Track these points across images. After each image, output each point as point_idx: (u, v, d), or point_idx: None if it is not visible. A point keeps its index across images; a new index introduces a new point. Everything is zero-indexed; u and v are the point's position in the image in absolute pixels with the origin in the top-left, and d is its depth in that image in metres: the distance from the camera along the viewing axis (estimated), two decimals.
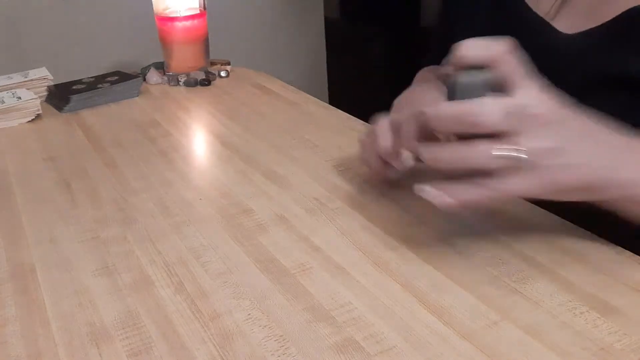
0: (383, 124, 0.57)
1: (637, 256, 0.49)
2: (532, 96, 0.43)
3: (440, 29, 0.86)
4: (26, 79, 0.94)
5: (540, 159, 0.43)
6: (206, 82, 1.01)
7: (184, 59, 1.03)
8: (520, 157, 0.42)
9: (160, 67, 1.06)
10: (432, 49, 0.87)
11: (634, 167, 0.46)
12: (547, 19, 0.62)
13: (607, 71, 0.57)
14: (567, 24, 0.61)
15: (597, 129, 0.46)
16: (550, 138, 0.43)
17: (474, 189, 0.43)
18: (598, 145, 0.45)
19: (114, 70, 1.02)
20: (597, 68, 0.57)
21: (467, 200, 0.44)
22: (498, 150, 0.42)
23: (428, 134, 0.47)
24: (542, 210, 0.55)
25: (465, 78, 0.44)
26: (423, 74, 0.84)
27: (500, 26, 0.67)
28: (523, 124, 0.42)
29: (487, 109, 0.42)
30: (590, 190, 0.45)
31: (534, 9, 0.64)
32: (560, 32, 0.61)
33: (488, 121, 0.42)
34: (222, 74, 1.04)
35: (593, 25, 0.59)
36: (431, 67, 0.84)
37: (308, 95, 0.93)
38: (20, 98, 0.88)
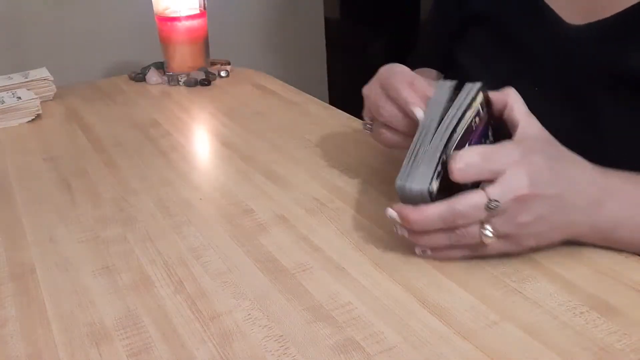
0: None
1: (637, 256, 0.49)
2: (515, 179, 0.45)
3: (430, 25, 0.86)
4: (26, 80, 0.94)
5: (519, 230, 0.47)
6: (206, 82, 1.01)
7: (184, 59, 1.03)
8: (499, 232, 0.46)
9: (160, 67, 1.06)
10: (422, 46, 0.87)
11: (613, 214, 0.48)
12: (548, 3, 0.62)
13: (610, 65, 0.57)
14: (569, 11, 0.61)
15: (575, 181, 0.47)
16: (530, 212, 0.46)
17: (458, 252, 0.49)
18: (576, 202, 0.47)
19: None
20: (602, 62, 0.57)
21: (448, 258, 0.49)
22: (485, 232, 0.46)
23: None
24: None
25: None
26: (420, 72, 0.84)
27: (504, 14, 0.67)
28: (505, 208, 0.45)
29: (469, 208, 0.45)
30: (572, 239, 0.49)
31: None
32: (567, 23, 0.60)
33: (472, 218, 0.46)
34: (222, 74, 1.04)
35: (596, 16, 0.58)
36: (427, 69, 0.84)
37: (308, 95, 0.93)
38: (20, 98, 0.88)
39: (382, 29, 2.79)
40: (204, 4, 1.04)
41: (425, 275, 0.48)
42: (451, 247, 0.48)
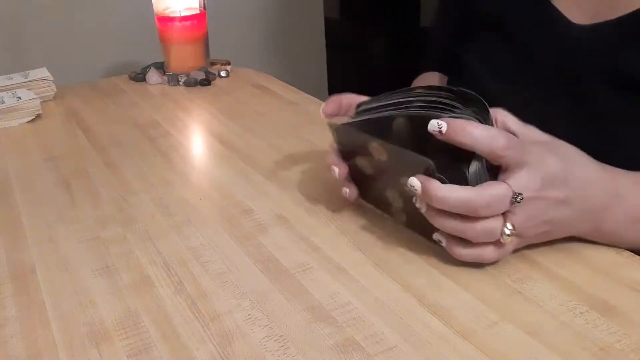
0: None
1: (637, 256, 0.49)
2: (525, 181, 0.45)
3: (436, 29, 0.86)
4: (26, 80, 0.94)
5: (529, 231, 0.47)
6: (206, 82, 1.01)
7: (184, 59, 1.03)
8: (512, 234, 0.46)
9: (160, 67, 1.06)
10: (430, 49, 0.87)
11: (619, 218, 0.48)
12: (554, 3, 0.62)
13: (615, 66, 0.57)
14: (575, 11, 0.61)
15: (584, 185, 0.47)
16: (539, 214, 0.46)
17: (470, 252, 0.47)
18: (583, 206, 0.47)
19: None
20: (607, 62, 0.57)
21: (459, 256, 0.48)
22: (505, 230, 0.45)
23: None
24: None
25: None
26: (423, 78, 0.84)
27: (510, 14, 0.67)
28: (517, 208, 0.45)
29: (487, 203, 0.44)
30: (574, 236, 0.50)
31: None
32: (573, 23, 0.60)
33: (495, 210, 0.45)
34: (222, 74, 1.04)
35: (602, 17, 0.58)
36: (430, 73, 0.84)
37: (308, 95, 0.93)
38: (20, 98, 0.88)
39: (382, 29, 2.79)
40: (204, 4, 1.04)
41: (425, 275, 0.48)
42: (465, 243, 0.47)
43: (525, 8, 0.65)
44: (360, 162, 0.54)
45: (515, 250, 0.49)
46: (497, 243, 0.46)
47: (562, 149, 0.48)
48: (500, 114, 0.50)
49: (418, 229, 0.52)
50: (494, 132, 0.45)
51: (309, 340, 0.42)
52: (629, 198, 0.48)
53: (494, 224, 0.45)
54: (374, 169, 0.53)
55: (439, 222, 0.46)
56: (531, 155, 0.45)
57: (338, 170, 0.55)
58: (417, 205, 0.47)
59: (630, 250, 0.49)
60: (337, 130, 0.55)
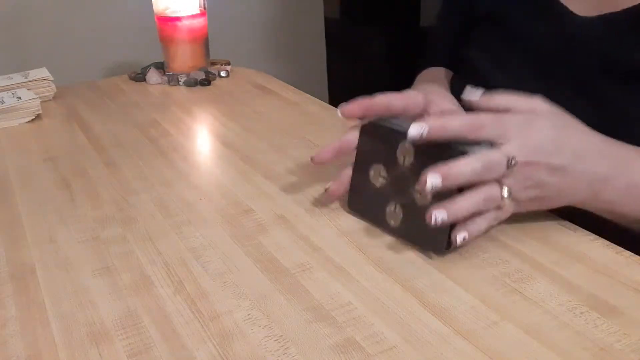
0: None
1: (637, 256, 0.49)
2: (510, 150, 0.47)
3: (440, 26, 0.86)
4: (26, 80, 0.94)
5: (520, 194, 0.49)
6: (206, 82, 1.01)
7: (184, 59, 1.03)
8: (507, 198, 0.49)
9: (160, 67, 1.06)
10: (436, 45, 0.87)
11: (619, 189, 0.49)
12: None
13: (620, 58, 0.56)
14: (579, 4, 0.60)
15: (582, 154, 0.48)
16: (529, 178, 0.48)
17: (483, 222, 0.49)
18: (581, 175, 0.48)
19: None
20: (612, 54, 0.57)
21: (479, 232, 0.49)
22: (503, 193, 0.48)
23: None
24: (542, 210, 0.55)
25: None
26: (426, 73, 0.84)
27: (514, 7, 0.67)
28: (510, 173, 0.48)
29: (493, 162, 0.47)
30: (574, 205, 0.51)
31: None
32: (577, 15, 0.60)
33: (496, 172, 0.47)
34: (222, 74, 1.04)
35: (606, 9, 0.58)
36: (434, 67, 0.84)
37: (308, 95, 0.93)
38: (20, 98, 0.88)
39: (382, 29, 2.79)
40: (204, 4, 1.04)
41: (425, 275, 0.48)
42: (477, 216, 0.48)
43: (530, 2, 0.65)
44: (375, 170, 0.55)
45: (515, 251, 0.49)
46: (497, 209, 0.49)
47: (559, 119, 0.50)
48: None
49: (413, 240, 0.52)
50: (470, 118, 0.48)
51: (309, 340, 0.42)
52: (633, 170, 0.49)
53: (494, 189, 0.48)
54: (387, 179, 0.54)
55: (454, 210, 0.47)
56: (513, 129, 0.47)
57: (336, 186, 0.57)
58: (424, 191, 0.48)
59: (630, 251, 0.49)
60: (365, 128, 0.55)
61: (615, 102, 0.57)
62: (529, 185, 0.48)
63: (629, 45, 0.56)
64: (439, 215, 0.46)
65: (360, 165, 0.56)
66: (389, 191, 0.53)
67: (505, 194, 0.48)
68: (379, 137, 0.54)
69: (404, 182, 0.52)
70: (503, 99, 0.50)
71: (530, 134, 0.47)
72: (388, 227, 0.53)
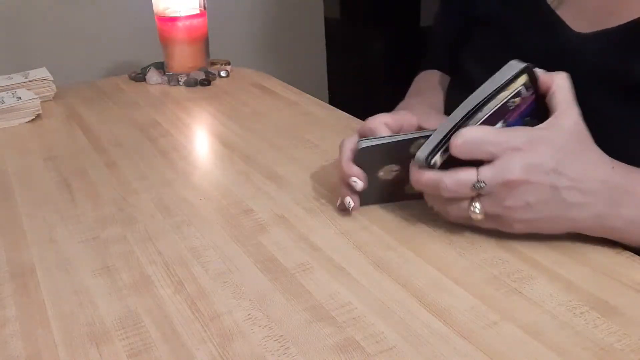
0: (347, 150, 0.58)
1: (637, 256, 0.49)
2: (508, 164, 0.47)
3: (438, 27, 0.86)
4: (26, 80, 0.94)
5: (506, 213, 0.48)
6: (206, 82, 1.01)
7: (184, 59, 1.03)
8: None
9: (160, 67, 1.06)
10: (432, 48, 0.87)
11: (628, 217, 0.48)
12: (552, 6, 0.62)
13: (616, 74, 0.56)
14: (576, 19, 0.60)
15: (584, 179, 0.47)
16: (517, 198, 0.47)
17: (454, 210, 0.50)
18: (581, 200, 0.47)
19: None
20: (607, 70, 0.57)
21: (447, 216, 0.52)
22: (473, 209, 0.49)
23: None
24: None
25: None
26: (423, 76, 0.84)
27: (510, 19, 0.66)
28: (491, 191, 0.47)
29: (456, 184, 0.48)
30: (579, 232, 0.50)
31: None
32: (573, 30, 0.60)
33: (459, 194, 0.48)
34: (222, 74, 1.04)
35: (602, 25, 0.58)
36: (430, 71, 0.84)
37: (308, 95, 0.93)
38: (20, 98, 0.88)
39: (382, 29, 2.79)
40: (204, 4, 1.04)
41: (425, 275, 0.48)
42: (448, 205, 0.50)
43: (527, 14, 0.65)
44: (385, 170, 0.56)
45: (515, 251, 0.49)
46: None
47: (578, 143, 0.48)
48: (555, 84, 0.50)
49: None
50: (458, 175, 0.48)
51: (309, 340, 0.42)
52: (629, 205, 0.48)
53: (462, 203, 0.49)
54: (399, 170, 0.55)
55: (426, 197, 0.52)
56: (519, 143, 0.47)
57: (359, 183, 0.56)
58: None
59: (630, 250, 0.49)
60: (361, 152, 0.55)
61: (609, 117, 0.57)
62: (510, 206, 0.47)
63: (624, 61, 0.56)
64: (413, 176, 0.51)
65: (367, 175, 0.56)
66: (406, 173, 0.54)
67: (476, 211, 0.48)
68: (380, 153, 0.55)
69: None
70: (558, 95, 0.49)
71: (521, 155, 0.47)
72: (406, 196, 0.57)
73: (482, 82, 0.51)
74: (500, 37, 0.67)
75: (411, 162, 0.51)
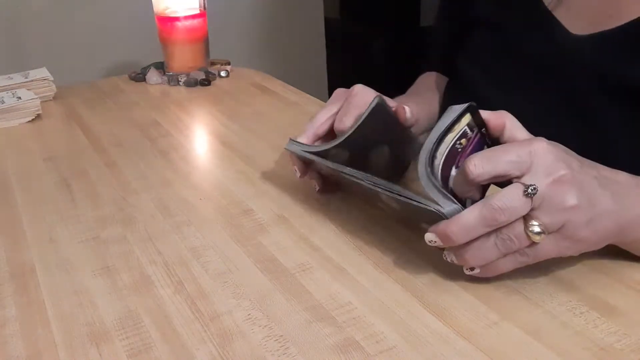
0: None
1: (637, 256, 0.48)
2: (547, 162, 0.42)
3: (436, 29, 0.86)
4: (26, 80, 0.94)
5: (570, 216, 0.41)
6: (206, 82, 1.01)
7: (184, 59, 1.03)
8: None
9: (160, 67, 1.06)
10: (431, 50, 0.87)
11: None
12: (549, 8, 0.62)
13: (613, 76, 0.56)
14: (573, 21, 0.60)
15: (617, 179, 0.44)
16: (574, 193, 0.41)
17: (510, 261, 0.44)
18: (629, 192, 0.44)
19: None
20: (604, 72, 0.57)
21: (499, 271, 0.44)
22: (531, 228, 0.41)
23: None
24: None
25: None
26: (422, 78, 0.84)
27: (508, 21, 0.67)
28: (546, 192, 0.41)
29: (507, 199, 0.41)
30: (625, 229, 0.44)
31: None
32: (570, 33, 0.60)
33: (514, 212, 0.41)
34: (222, 74, 1.04)
35: (599, 27, 0.58)
36: (429, 72, 0.84)
37: (308, 95, 0.93)
38: (20, 98, 0.88)
39: (382, 29, 2.79)
40: (204, 4, 1.04)
41: (425, 275, 0.48)
42: (502, 257, 0.43)
43: (524, 16, 0.65)
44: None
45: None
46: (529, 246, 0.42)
47: (556, 149, 0.44)
48: (508, 120, 0.47)
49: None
50: (480, 210, 0.42)
51: (309, 340, 0.42)
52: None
53: (518, 228, 0.41)
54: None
55: (474, 256, 0.43)
56: (534, 162, 0.42)
57: (299, 173, 0.58)
58: (448, 260, 0.45)
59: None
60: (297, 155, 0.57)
61: (606, 119, 0.57)
62: (571, 205, 0.41)
63: (621, 63, 0.56)
64: (448, 257, 0.45)
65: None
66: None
67: (535, 229, 0.41)
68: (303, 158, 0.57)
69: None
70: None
71: (552, 153, 0.42)
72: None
73: (479, 84, 0.50)
74: (497, 39, 0.67)
75: (430, 229, 0.44)
